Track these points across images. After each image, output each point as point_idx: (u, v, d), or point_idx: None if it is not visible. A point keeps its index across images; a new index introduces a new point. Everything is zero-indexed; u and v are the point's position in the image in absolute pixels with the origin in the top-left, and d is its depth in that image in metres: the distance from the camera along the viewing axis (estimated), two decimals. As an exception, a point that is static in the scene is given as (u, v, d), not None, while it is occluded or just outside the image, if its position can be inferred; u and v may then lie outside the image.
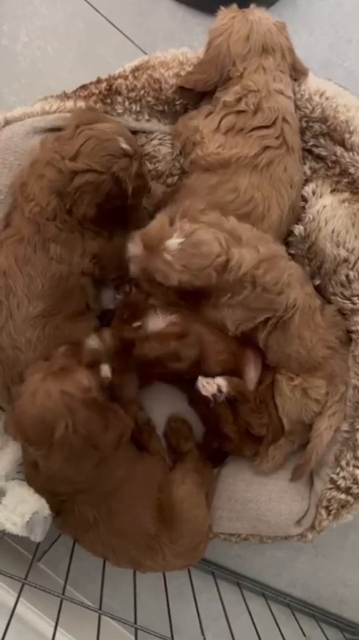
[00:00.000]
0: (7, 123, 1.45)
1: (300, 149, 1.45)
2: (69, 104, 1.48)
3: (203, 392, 1.38)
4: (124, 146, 1.29)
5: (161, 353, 1.37)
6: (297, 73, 1.46)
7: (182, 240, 1.27)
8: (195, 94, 1.48)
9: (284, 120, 1.38)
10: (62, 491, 1.32)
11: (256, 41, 1.37)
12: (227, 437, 1.45)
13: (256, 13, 1.40)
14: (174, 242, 1.28)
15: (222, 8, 1.44)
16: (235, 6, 1.44)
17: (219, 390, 1.38)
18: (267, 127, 1.37)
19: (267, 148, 1.37)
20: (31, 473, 1.35)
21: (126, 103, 1.48)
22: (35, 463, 1.28)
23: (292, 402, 1.42)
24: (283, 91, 1.39)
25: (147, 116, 1.50)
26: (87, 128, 1.30)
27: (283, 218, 1.42)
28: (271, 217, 1.40)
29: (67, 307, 1.39)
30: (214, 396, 1.38)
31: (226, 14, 1.41)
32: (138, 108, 1.49)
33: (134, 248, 1.39)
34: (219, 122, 1.40)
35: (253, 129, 1.37)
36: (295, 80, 1.46)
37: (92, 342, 1.35)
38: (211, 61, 1.41)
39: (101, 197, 1.30)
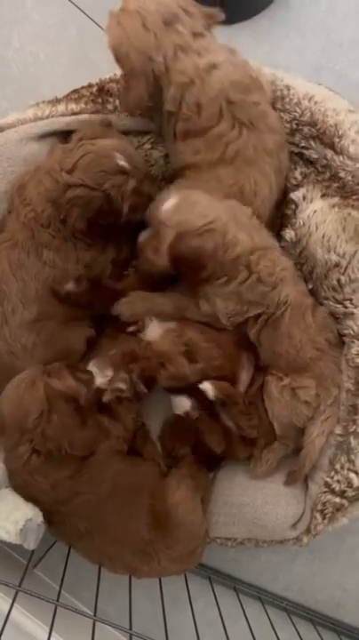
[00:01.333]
0: (1, 130, 1.46)
1: (264, 111, 1.37)
2: (61, 107, 1.49)
3: (176, 411, 1.41)
4: (121, 163, 1.29)
5: (176, 376, 1.39)
6: (210, 19, 1.34)
7: (177, 200, 1.29)
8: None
9: (229, 102, 1.30)
10: (42, 500, 1.32)
11: (153, 21, 1.25)
12: (209, 448, 1.46)
13: (131, 1, 1.28)
14: (170, 202, 1.30)
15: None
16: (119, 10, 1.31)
17: (193, 407, 1.41)
18: (216, 124, 1.32)
19: (227, 145, 1.34)
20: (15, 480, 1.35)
21: (117, 102, 1.48)
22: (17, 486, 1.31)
23: (281, 404, 1.42)
24: (214, 63, 1.29)
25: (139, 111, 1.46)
26: (88, 143, 1.31)
27: (273, 185, 1.40)
28: (262, 190, 1.39)
29: (62, 311, 1.39)
30: (187, 413, 1.41)
31: (111, 24, 1.30)
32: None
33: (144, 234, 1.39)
34: (174, 131, 1.36)
35: (206, 130, 1.33)
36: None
37: (95, 371, 1.38)
38: (131, 76, 1.29)
39: (92, 212, 1.30)
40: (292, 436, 1.49)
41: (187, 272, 1.33)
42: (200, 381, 1.39)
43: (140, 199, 1.35)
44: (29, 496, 1.32)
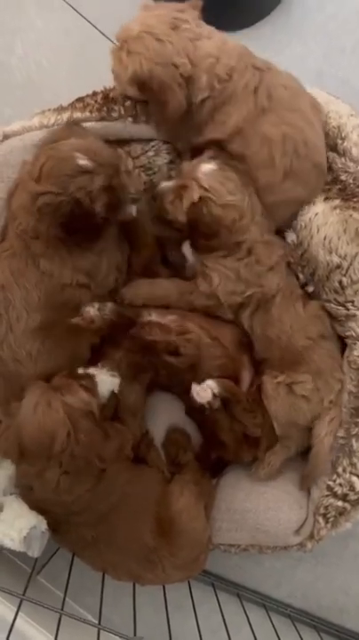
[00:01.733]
0: (6, 137, 1.46)
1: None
2: (66, 116, 1.49)
3: (198, 399, 1.39)
4: (82, 162, 1.24)
5: (159, 339, 1.38)
6: (196, 9, 1.36)
7: (217, 168, 1.32)
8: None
9: (242, 55, 1.32)
10: (56, 511, 1.32)
11: (164, 32, 1.28)
12: (224, 444, 1.45)
13: (134, 25, 1.30)
14: (210, 166, 1.32)
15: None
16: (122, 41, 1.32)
17: (214, 395, 1.38)
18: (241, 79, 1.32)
19: (256, 90, 1.32)
20: (25, 493, 1.35)
21: (121, 110, 1.47)
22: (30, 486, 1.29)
23: (278, 402, 1.42)
24: (223, 37, 1.34)
25: (144, 118, 1.46)
26: (49, 147, 1.28)
27: (316, 126, 1.38)
28: (308, 134, 1.35)
29: (67, 319, 1.38)
30: (209, 403, 1.38)
31: (119, 59, 1.32)
32: (134, 112, 1.46)
33: (166, 183, 1.40)
34: (202, 113, 1.34)
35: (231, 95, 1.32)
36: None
37: (92, 310, 1.36)
38: (163, 89, 1.30)
39: (63, 218, 1.26)
40: (294, 437, 1.48)
41: (200, 235, 1.36)
42: (203, 379, 1.39)
43: (114, 195, 1.31)
44: (42, 509, 1.32)
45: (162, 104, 1.32)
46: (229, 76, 1.30)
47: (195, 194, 1.30)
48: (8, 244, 1.37)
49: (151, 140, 1.51)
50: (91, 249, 1.36)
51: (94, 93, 1.51)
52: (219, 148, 1.37)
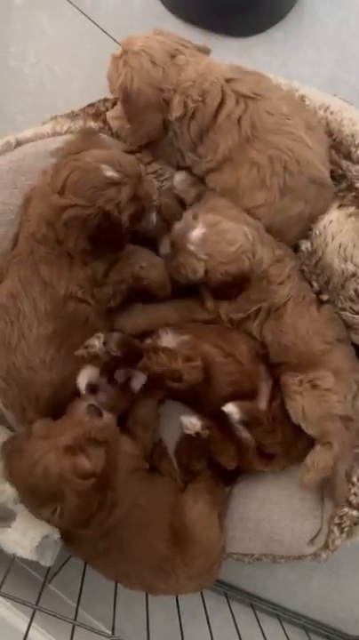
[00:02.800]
0: (19, 144, 1.47)
1: (268, 87, 1.39)
2: (79, 124, 1.50)
3: (186, 431, 1.39)
4: (109, 174, 1.24)
5: (166, 369, 1.36)
6: (203, 52, 1.43)
7: (205, 230, 1.31)
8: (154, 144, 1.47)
9: (228, 80, 1.35)
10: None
11: (160, 58, 1.35)
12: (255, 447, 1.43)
13: (137, 42, 1.36)
14: (197, 232, 1.32)
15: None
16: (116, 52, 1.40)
17: (204, 427, 1.40)
18: (222, 104, 1.34)
19: (239, 120, 1.34)
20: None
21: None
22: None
23: (305, 398, 1.38)
24: (209, 63, 1.38)
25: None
26: (72, 159, 1.26)
27: (311, 143, 1.37)
28: (302, 153, 1.35)
29: (79, 330, 1.38)
30: (197, 434, 1.39)
31: (115, 65, 1.38)
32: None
33: (164, 248, 1.42)
34: (189, 136, 1.38)
35: (215, 117, 1.35)
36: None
37: (97, 343, 1.33)
38: (146, 107, 1.37)
39: (91, 230, 1.26)
40: (333, 431, 1.40)
41: (231, 292, 1.38)
42: (223, 403, 1.38)
43: (140, 204, 1.32)
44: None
45: (139, 122, 1.40)
46: (202, 97, 1.34)
47: (199, 267, 1.33)
48: (17, 250, 1.37)
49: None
50: (94, 264, 1.35)
51: (105, 99, 1.53)
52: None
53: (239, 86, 1.34)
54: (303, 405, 1.38)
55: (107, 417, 1.28)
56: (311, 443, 1.42)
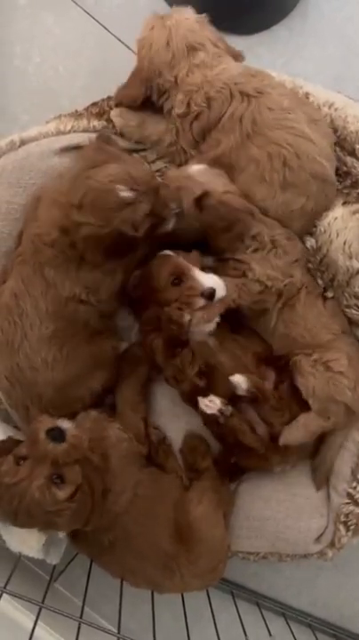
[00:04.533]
0: (23, 143, 1.47)
1: (272, 84, 1.39)
2: (83, 123, 1.50)
3: (209, 411, 1.37)
4: (125, 195, 1.22)
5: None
6: (234, 56, 1.44)
7: (206, 166, 1.34)
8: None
9: (236, 83, 1.35)
10: None
11: (177, 44, 1.36)
12: (252, 449, 1.41)
13: (174, 17, 1.39)
14: (198, 166, 1.35)
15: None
16: (161, 13, 1.43)
17: (221, 406, 1.36)
18: (228, 105, 1.35)
19: (241, 118, 1.35)
20: None
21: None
22: None
23: (316, 377, 1.37)
24: (224, 68, 1.38)
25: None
26: (86, 177, 1.26)
27: (313, 137, 1.36)
28: (303, 148, 1.34)
29: (82, 330, 1.39)
30: (221, 411, 1.36)
31: (146, 25, 1.41)
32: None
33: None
34: (192, 134, 1.40)
35: (219, 119, 1.36)
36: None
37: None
38: (136, 76, 1.42)
39: (106, 246, 1.27)
40: (334, 412, 1.40)
41: (217, 230, 1.36)
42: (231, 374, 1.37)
43: (157, 217, 1.32)
44: None
45: (129, 81, 1.45)
46: (208, 104, 1.35)
47: (197, 189, 1.31)
48: (21, 250, 1.37)
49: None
50: (102, 267, 1.35)
51: (109, 98, 1.53)
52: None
53: (245, 87, 1.35)
54: (314, 383, 1.37)
55: (71, 436, 1.22)
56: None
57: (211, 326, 1.38)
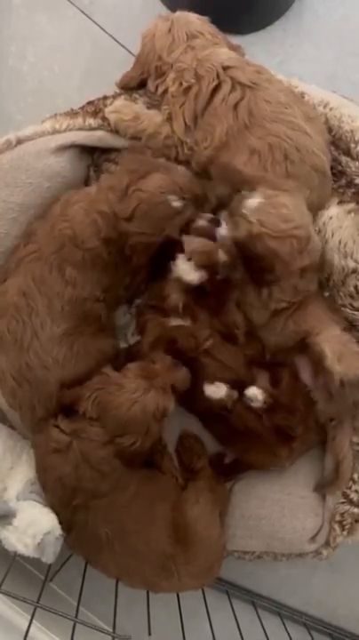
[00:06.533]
0: (19, 142, 1.47)
1: (268, 78, 1.40)
2: (79, 121, 1.50)
3: (216, 396, 1.37)
4: (176, 204, 1.31)
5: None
6: (233, 49, 1.45)
7: (262, 200, 1.27)
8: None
9: (225, 67, 1.36)
10: (85, 488, 1.32)
11: (178, 30, 1.41)
12: (260, 441, 1.42)
13: (177, 14, 1.45)
14: (254, 200, 1.28)
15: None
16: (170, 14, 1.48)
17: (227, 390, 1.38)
18: (218, 88, 1.36)
19: (235, 107, 1.35)
20: (49, 483, 1.36)
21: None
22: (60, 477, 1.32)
23: (344, 348, 1.34)
24: (214, 51, 1.39)
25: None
26: (137, 189, 1.30)
27: (311, 132, 1.37)
28: (301, 141, 1.35)
29: (90, 327, 1.40)
30: (228, 396, 1.37)
31: (153, 22, 1.46)
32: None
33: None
34: (184, 117, 1.39)
35: (209, 100, 1.37)
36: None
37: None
38: (138, 59, 1.48)
39: (153, 251, 1.34)
40: None
41: (255, 270, 1.33)
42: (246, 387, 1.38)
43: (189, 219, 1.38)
44: (71, 488, 1.33)
45: (134, 65, 1.51)
46: (195, 80, 1.36)
47: (243, 229, 1.28)
48: (36, 246, 1.37)
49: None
50: (116, 271, 1.39)
51: (105, 97, 1.53)
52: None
53: (237, 74, 1.36)
54: (341, 349, 1.33)
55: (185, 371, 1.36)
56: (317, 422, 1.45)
57: (193, 276, 1.38)
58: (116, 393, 1.29)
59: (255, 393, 1.36)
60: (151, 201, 1.30)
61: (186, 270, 1.36)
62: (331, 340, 1.34)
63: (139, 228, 1.30)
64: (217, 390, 1.38)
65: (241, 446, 1.48)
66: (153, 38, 1.42)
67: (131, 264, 1.37)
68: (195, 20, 1.43)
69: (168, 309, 1.41)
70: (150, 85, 1.47)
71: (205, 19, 1.45)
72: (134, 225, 1.30)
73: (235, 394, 1.37)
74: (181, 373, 1.35)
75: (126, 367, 1.35)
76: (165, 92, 1.42)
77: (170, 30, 1.41)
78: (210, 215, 1.40)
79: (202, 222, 1.38)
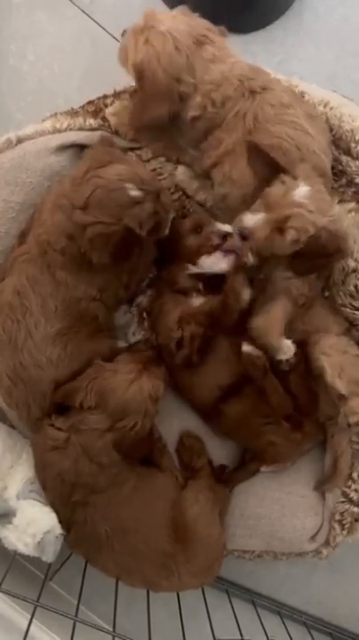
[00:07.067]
0: (19, 141, 1.47)
1: (276, 79, 1.38)
2: (79, 121, 1.50)
3: (254, 353, 1.34)
4: (134, 193, 1.25)
5: None
6: (223, 36, 1.36)
7: (310, 188, 1.22)
8: (152, 132, 1.45)
9: (248, 79, 1.32)
10: (84, 482, 1.33)
11: (185, 44, 1.28)
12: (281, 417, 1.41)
13: (162, 21, 1.29)
14: (304, 189, 1.21)
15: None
16: (141, 24, 1.32)
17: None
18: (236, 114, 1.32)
19: (244, 115, 1.32)
20: (49, 481, 1.36)
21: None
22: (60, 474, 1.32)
23: (341, 356, 1.35)
24: (234, 63, 1.33)
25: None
26: (95, 175, 1.26)
27: (313, 132, 1.35)
28: (303, 140, 1.33)
29: (86, 327, 1.40)
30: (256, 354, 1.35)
31: (134, 41, 1.31)
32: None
33: (249, 218, 1.26)
34: (194, 133, 1.36)
35: (223, 119, 1.33)
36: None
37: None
38: (155, 94, 1.31)
39: (113, 247, 1.27)
40: None
41: (320, 257, 1.27)
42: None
43: (158, 218, 1.32)
44: (70, 484, 1.33)
45: (143, 106, 1.34)
46: (223, 104, 1.31)
47: (306, 220, 1.20)
48: (26, 248, 1.37)
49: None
50: (110, 270, 1.36)
51: (105, 96, 1.53)
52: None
53: (254, 85, 1.32)
54: (341, 363, 1.34)
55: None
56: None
57: (223, 265, 1.39)
58: (112, 377, 1.32)
59: (289, 344, 1.32)
60: (107, 187, 1.24)
61: (214, 262, 1.39)
62: (329, 353, 1.35)
63: (94, 216, 1.24)
64: (255, 349, 1.35)
65: (254, 427, 1.44)
66: (160, 63, 1.28)
67: (93, 266, 1.32)
68: (185, 20, 1.31)
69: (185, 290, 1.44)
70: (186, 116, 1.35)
71: (185, 9, 1.35)
72: (90, 214, 1.25)
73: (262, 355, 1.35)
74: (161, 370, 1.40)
75: (116, 358, 1.39)
76: (195, 118, 1.34)
77: (177, 47, 1.27)
78: (221, 230, 1.39)
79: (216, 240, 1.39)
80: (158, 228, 1.34)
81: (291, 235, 1.20)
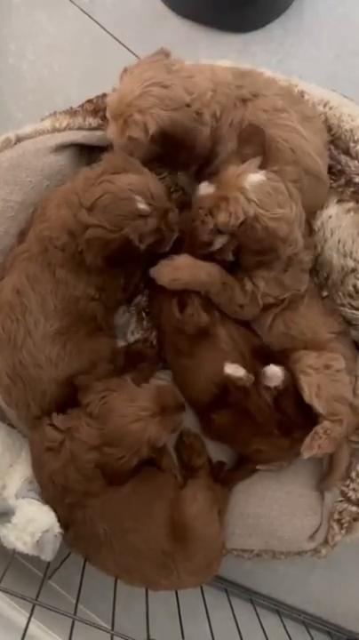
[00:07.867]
0: (18, 140, 1.47)
1: (267, 81, 1.38)
2: (79, 120, 1.50)
3: (237, 374, 1.36)
4: (141, 207, 1.25)
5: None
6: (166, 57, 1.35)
7: (265, 179, 1.23)
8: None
9: (236, 87, 1.32)
10: (73, 489, 1.33)
11: (163, 77, 1.28)
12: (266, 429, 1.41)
13: (131, 90, 1.29)
14: (258, 177, 1.23)
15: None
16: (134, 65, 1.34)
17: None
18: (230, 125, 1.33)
19: (240, 123, 1.33)
20: (43, 480, 1.36)
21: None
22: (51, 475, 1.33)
23: (320, 375, 1.35)
24: (211, 71, 1.34)
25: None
26: (107, 180, 1.27)
27: (305, 134, 1.35)
28: (296, 142, 1.34)
29: (85, 326, 1.40)
30: (247, 376, 1.36)
31: (121, 122, 1.30)
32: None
33: (205, 188, 1.29)
34: None
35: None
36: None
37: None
38: (186, 128, 1.30)
39: (109, 252, 1.28)
40: (341, 411, 1.36)
41: (254, 251, 1.29)
42: (267, 363, 1.36)
43: (160, 235, 1.33)
44: (60, 486, 1.33)
45: (188, 148, 1.33)
46: (220, 116, 1.32)
47: (245, 207, 1.22)
48: (27, 246, 1.37)
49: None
50: (109, 272, 1.37)
51: (104, 95, 1.52)
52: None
53: (242, 92, 1.33)
54: (318, 382, 1.34)
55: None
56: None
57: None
58: (127, 403, 1.30)
59: (275, 371, 1.34)
60: (116, 195, 1.25)
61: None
62: (308, 372, 1.35)
63: (98, 220, 1.25)
64: (237, 370, 1.36)
65: (242, 438, 1.45)
66: (171, 103, 1.27)
67: (85, 264, 1.32)
68: (142, 70, 1.30)
69: None
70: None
71: (128, 67, 1.35)
72: (94, 216, 1.26)
73: (252, 377, 1.36)
74: (178, 418, 1.38)
75: (146, 385, 1.37)
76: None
77: (164, 86, 1.26)
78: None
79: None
80: (159, 245, 1.35)
81: (221, 216, 1.23)
